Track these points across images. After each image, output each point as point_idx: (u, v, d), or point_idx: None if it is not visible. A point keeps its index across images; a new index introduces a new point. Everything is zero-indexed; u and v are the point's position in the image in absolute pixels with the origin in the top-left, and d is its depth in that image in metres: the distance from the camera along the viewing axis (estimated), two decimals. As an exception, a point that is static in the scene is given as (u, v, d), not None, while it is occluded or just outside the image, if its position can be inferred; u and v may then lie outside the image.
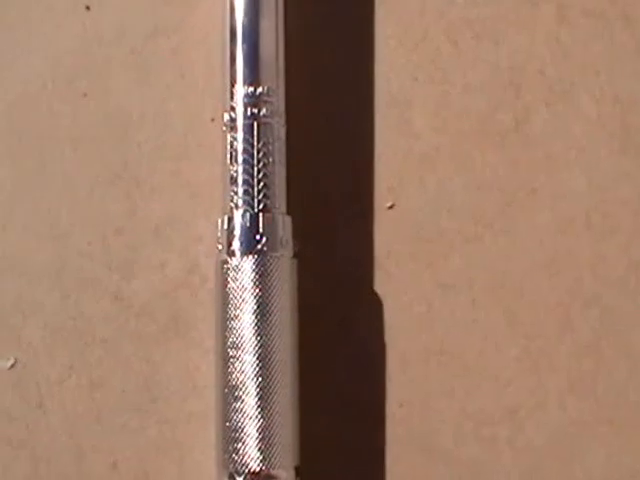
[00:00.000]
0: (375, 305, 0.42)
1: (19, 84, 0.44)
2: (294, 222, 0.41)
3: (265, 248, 0.39)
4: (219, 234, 0.40)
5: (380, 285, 0.43)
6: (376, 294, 0.42)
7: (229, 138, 0.40)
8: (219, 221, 0.40)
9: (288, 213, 0.41)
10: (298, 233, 0.41)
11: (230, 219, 0.40)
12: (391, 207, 0.43)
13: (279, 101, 0.41)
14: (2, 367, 0.43)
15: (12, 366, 0.43)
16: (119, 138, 0.44)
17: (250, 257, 0.39)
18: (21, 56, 0.44)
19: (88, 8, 0.44)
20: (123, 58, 0.44)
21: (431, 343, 0.42)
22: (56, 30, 0.44)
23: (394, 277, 0.43)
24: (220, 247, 0.40)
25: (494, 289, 0.42)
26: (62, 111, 0.44)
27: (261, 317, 0.39)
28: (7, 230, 0.44)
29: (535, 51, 0.43)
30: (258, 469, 0.38)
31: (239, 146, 0.40)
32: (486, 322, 0.42)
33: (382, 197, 0.43)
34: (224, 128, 0.41)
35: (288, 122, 0.41)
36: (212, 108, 0.43)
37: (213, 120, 0.43)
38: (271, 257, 0.39)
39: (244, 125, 0.40)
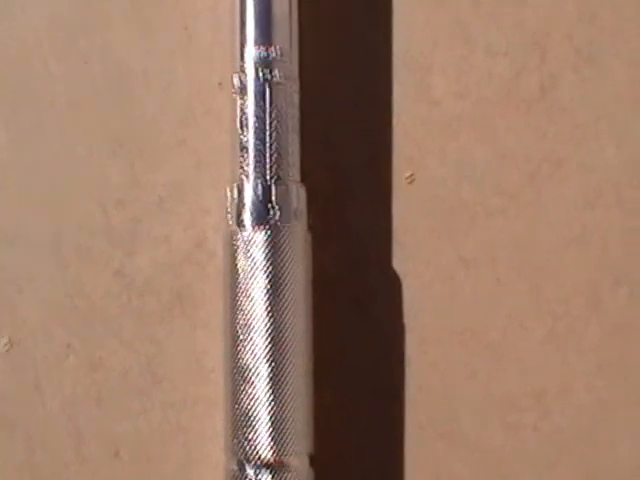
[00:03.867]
0: (393, 282, 0.41)
1: (13, 42, 0.42)
2: (308, 193, 0.39)
3: (278, 220, 0.37)
4: (228, 205, 0.38)
5: (398, 261, 0.41)
6: (394, 271, 0.41)
7: (239, 103, 0.38)
8: (228, 191, 0.38)
9: (302, 183, 0.39)
10: (312, 205, 0.39)
11: (240, 189, 0.38)
12: (410, 178, 0.41)
13: (292, 64, 0.39)
14: (-4, 346, 0.41)
15: (6, 345, 0.41)
16: (120, 103, 0.42)
17: (262, 229, 0.37)
18: (15, 12, 0.42)
19: (85, -40, 0.42)
20: (122, 13, 0.42)
21: (452, 323, 0.41)
22: (52, -15, 0.42)
23: (413, 253, 0.41)
24: (229, 219, 0.38)
25: (519, 265, 0.41)
26: (58, 73, 0.42)
27: (273, 294, 0.37)
28: (2, 201, 0.42)
29: (562, 12, 0.41)
30: (270, 457, 0.37)
31: (250, 111, 0.38)
32: (511, 300, 0.41)
33: (400, 167, 0.41)
34: (233, 92, 0.39)
35: (302, 87, 0.39)
36: (220, 71, 0.41)
37: (221, 84, 0.42)
38: (284, 229, 0.37)
39: (255, 89, 0.38)
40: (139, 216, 0.42)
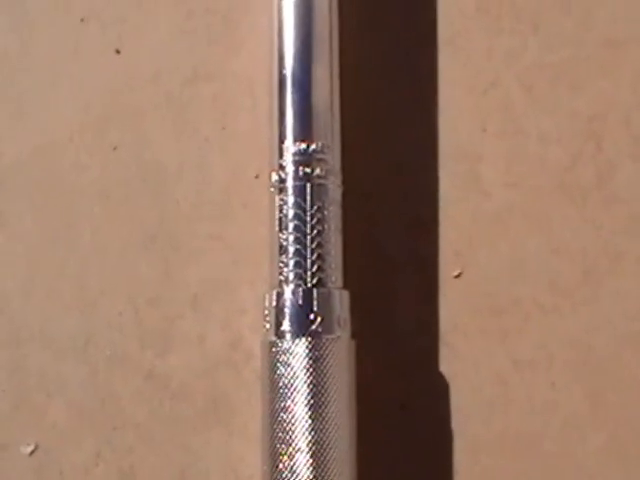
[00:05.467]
0: (440, 387, 0.40)
1: (44, 135, 0.42)
2: (351, 294, 0.38)
3: (320, 329, 0.36)
4: (266, 312, 0.37)
5: (447, 364, 0.40)
6: (442, 375, 0.40)
7: (278, 201, 0.37)
8: (266, 297, 0.37)
9: (344, 286, 0.38)
10: (356, 309, 0.38)
11: (279, 295, 0.37)
12: (458, 275, 0.40)
13: (334, 159, 0.38)
14: (22, 452, 0.41)
15: (33, 452, 0.41)
16: (153, 196, 0.42)
17: (303, 339, 0.36)
18: (46, 105, 0.42)
19: (118, 52, 0.42)
20: (157, 106, 0.42)
21: (505, 429, 0.39)
22: (83, 76, 0.43)
23: (462, 354, 0.40)
24: (268, 327, 0.37)
25: (575, 367, 0.40)
26: (90, 165, 0.42)
27: (315, 409, 0.35)
28: (30, 297, 0.42)
29: (619, 98, 0.41)
30: None
31: (289, 211, 0.37)
32: (567, 405, 0.39)
33: (448, 264, 0.40)
34: (272, 189, 0.38)
35: (344, 181, 0.38)
36: (257, 163, 0.41)
37: (258, 177, 0.41)
38: (327, 340, 0.36)
39: (295, 187, 0.37)
40: (172, 315, 0.41)
